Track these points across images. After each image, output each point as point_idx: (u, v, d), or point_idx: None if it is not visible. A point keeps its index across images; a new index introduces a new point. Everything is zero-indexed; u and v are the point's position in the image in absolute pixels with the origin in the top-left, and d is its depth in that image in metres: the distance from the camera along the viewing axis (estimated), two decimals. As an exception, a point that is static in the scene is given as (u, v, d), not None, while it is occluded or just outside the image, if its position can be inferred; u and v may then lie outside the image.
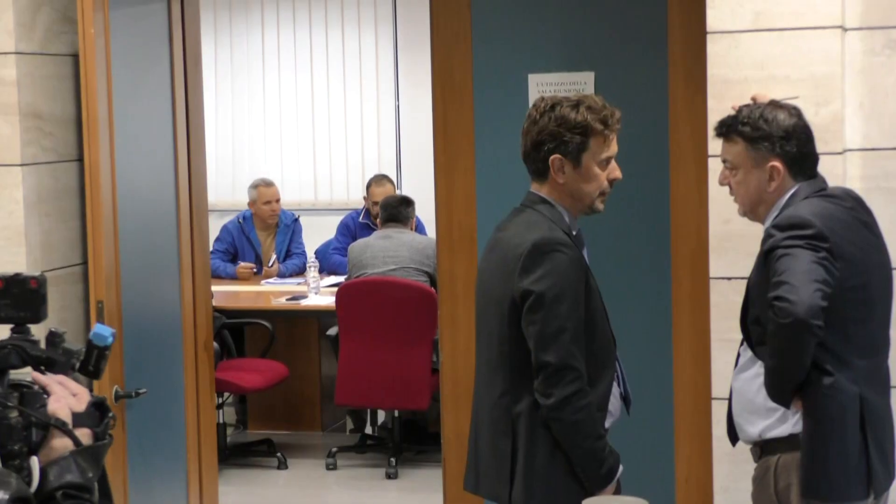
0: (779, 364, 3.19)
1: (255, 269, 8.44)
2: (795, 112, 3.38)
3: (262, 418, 7.96)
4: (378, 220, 7.63)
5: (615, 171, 3.48)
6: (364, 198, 8.61)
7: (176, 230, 5.28)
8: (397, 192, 8.39)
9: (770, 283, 3.15)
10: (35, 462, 2.01)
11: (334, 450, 7.24)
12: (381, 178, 8.57)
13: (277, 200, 8.66)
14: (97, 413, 2.12)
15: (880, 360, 3.38)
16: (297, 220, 8.78)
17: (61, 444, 2.05)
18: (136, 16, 5.02)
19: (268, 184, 8.67)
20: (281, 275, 8.43)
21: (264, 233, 8.67)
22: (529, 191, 3.52)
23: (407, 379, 6.85)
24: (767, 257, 3.20)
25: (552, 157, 3.42)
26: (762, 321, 3.23)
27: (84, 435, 2.08)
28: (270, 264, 8.42)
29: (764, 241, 3.25)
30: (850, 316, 3.22)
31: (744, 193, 3.41)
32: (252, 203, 8.59)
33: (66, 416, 2.06)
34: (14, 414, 2.04)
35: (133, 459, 4.73)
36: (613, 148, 3.47)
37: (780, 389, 3.23)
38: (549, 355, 3.31)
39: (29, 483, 1.98)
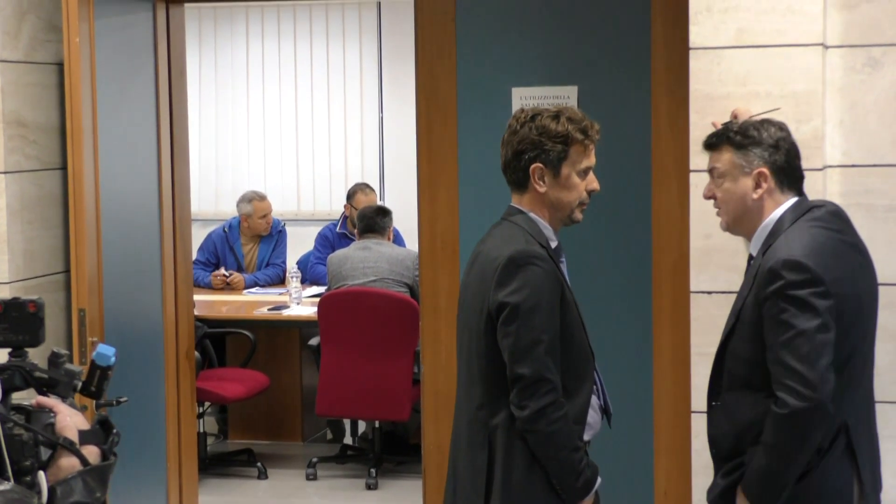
0: (781, 461, 3.17)
1: (227, 279, 8.39)
2: (786, 129, 3.42)
3: (243, 428, 7.95)
4: (356, 230, 7.62)
5: (593, 182, 3.51)
6: (346, 206, 8.58)
7: (159, 239, 5.28)
8: (379, 201, 8.37)
9: (777, 341, 3.14)
10: (42, 477, 2.00)
11: (314, 460, 7.24)
12: (364, 187, 8.54)
13: (271, 212, 8.67)
14: (102, 431, 2.12)
15: (865, 379, 3.38)
16: (282, 229, 8.78)
17: (68, 463, 2.04)
18: (121, 25, 5.03)
19: (261, 197, 8.66)
20: (250, 284, 8.41)
21: (250, 243, 8.66)
22: (510, 204, 3.54)
23: (388, 390, 6.85)
24: (769, 301, 3.17)
25: (533, 166, 3.45)
26: (750, 360, 3.25)
27: (91, 453, 2.08)
28: (228, 274, 8.38)
29: (766, 279, 3.19)
30: (844, 349, 3.20)
31: (728, 202, 3.40)
32: (246, 217, 8.56)
33: (73, 436, 2.06)
34: (22, 431, 2.03)
35: (113, 468, 4.73)
36: (592, 159, 3.50)
37: (776, 490, 3.20)
38: (524, 367, 3.32)
39: (40, 499, 1.98)
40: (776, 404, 3.13)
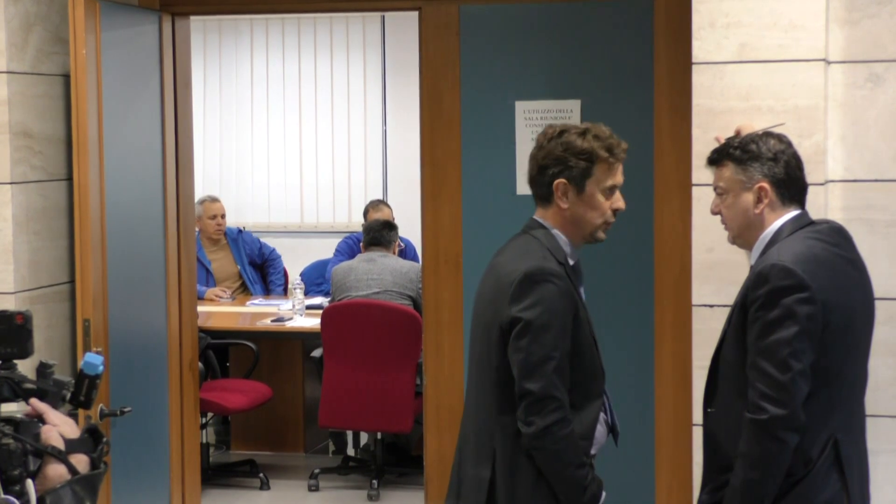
0: (759, 475, 3.18)
1: (221, 298, 8.43)
2: (786, 140, 3.44)
3: (245, 439, 7.97)
4: (361, 243, 7.67)
5: (619, 200, 3.52)
6: (363, 224, 8.62)
7: (163, 250, 5.30)
8: (394, 216, 8.40)
9: (756, 345, 3.17)
10: (31, 485, 2.00)
11: (317, 471, 7.25)
12: (377, 203, 8.61)
13: (223, 216, 8.64)
14: (91, 439, 2.11)
15: (857, 396, 3.39)
16: (241, 232, 8.78)
17: (56, 472, 2.04)
18: (127, 38, 5.05)
19: (213, 199, 8.67)
20: (266, 292, 8.48)
21: (212, 250, 8.61)
22: (532, 217, 3.55)
23: (390, 401, 6.86)
24: (754, 304, 3.19)
25: (556, 182, 3.46)
26: (738, 365, 3.27)
27: (80, 461, 2.07)
28: (231, 297, 8.43)
29: (754, 283, 3.22)
30: (833, 361, 3.23)
31: (732, 217, 3.43)
32: (198, 219, 8.56)
33: (58, 444, 2.05)
34: (10, 440, 2.02)
35: (116, 478, 4.75)
36: (618, 177, 3.51)
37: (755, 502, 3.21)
38: (532, 384, 3.33)
39: None
40: (748, 409, 3.16)
